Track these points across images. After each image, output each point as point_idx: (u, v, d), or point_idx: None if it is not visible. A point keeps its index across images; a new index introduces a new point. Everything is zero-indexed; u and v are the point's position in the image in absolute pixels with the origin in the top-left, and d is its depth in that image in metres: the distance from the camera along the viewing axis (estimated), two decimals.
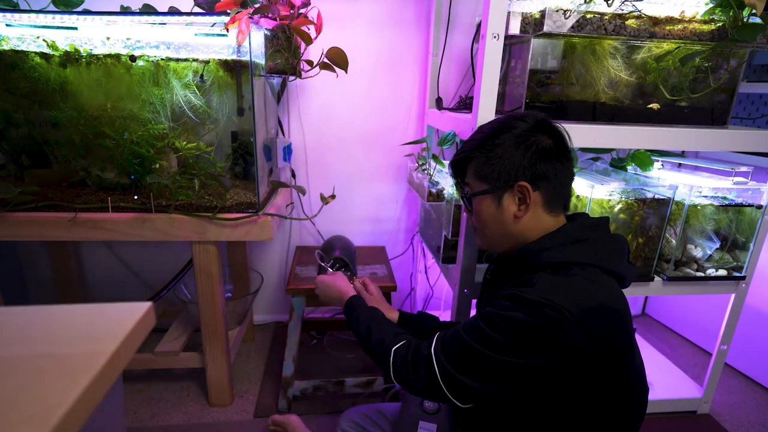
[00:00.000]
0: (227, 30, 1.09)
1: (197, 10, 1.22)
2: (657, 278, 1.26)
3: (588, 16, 1.02)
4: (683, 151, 1.73)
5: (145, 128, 1.16)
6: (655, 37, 1.06)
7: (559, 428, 0.68)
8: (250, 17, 1.05)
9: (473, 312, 1.13)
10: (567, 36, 1.06)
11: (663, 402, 1.42)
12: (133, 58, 1.12)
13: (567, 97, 1.14)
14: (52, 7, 1.13)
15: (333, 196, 1.28)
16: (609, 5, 1.02)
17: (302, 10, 1.23)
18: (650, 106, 1.15)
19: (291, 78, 1.41)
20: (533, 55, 1.09)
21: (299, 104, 1.66)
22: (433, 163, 1.38)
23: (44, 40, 1.10)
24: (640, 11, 1.03)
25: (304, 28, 1.19)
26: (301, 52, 1.33)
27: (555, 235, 0.73)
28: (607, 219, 0.78)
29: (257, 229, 1.21)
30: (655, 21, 1.04)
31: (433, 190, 1.36)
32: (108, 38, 1.12)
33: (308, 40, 1.24)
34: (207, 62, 1.14)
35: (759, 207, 1.23)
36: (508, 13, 1.04)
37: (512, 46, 1.20)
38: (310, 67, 1.32)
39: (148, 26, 1.11)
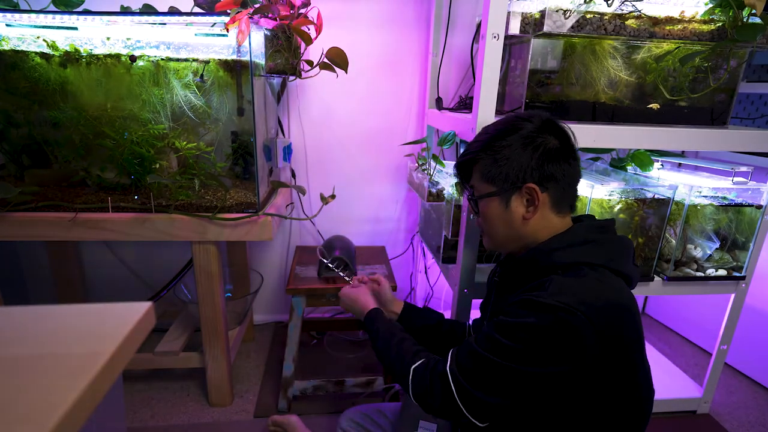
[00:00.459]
0: (227, 30, 1.09)
1: (197, 10, 1.22)
2: (657, 278, 1.26)
3: (588, 16, 1.02)
4: (683, 151, 1.73)
5: (145, 128, 1.16)
6: (655, 37, 1.06)
7: (565, 430, 0.67)
8: (250, 17, 1.06)
9: (473, 312, 1.13)
10: (567, 36, 1.06)
11: (663, 402, 1.42)
12: (133, 58, 1.12)
13: (567, 97, 1.14)
14: (52, 7, 1.13)
15: (333, 196, 1.28)
16: (609, 5, 1.02)
17: (302, 10, 1.23)
18: (650, 106, 1.15)
19: (291, 78, 1.41)
20: (533, 55, 1.09)
21: (299, 104, 1.66)
22: (433, 163, 1.38)
23: (44, 40, 1.11)
24: (639, 11, 1.03)
25: (304, 28, 1.20)
26: (301, 52, 1.33)
27: (564, 236, 0.73)
28: (612, 221, 0.78)
29: (257, 229, 1.21)
30: (655, 21, 1.04)
31: (433, 190, 1.36)
32: (108, 38, 1.12)
33: (308, 40, 1.24)
34: (207, 62, 1.14)
35: (759, 207, 1.23)
36: (508, 13, 1.04)
37: (512, 46, 1.20)
38: (310, 67, 1.32)
39: (148, 26, 1.11)
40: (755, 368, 1.64)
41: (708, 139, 1.12)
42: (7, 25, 1.09)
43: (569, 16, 1.02)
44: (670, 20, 1.05)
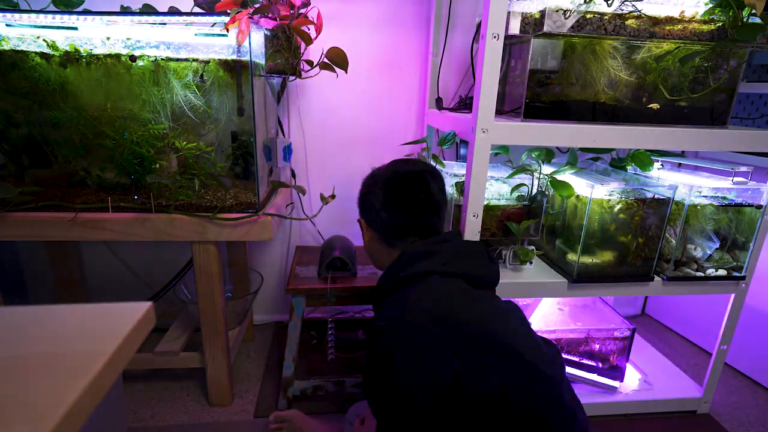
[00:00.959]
0: (227, 30, 1.09)
1: (197, 10, 1.22)
2: (657, 278, 1.26)
3: (588, 16, 1.03)
4: (683, 151, 1.73)
5: (145, 128, 1.16)
6: (655, 37, 1.06)
7: None
8: (250, 17, 1.06)
9: None
10: (567, 36, 1.06)
11: (663, 402, 1.42)
12: (133, 58, 1.12)
13: (567, 97, 1.14)
14: (52, 7, 1.13)
15: (333, 196, 1.28)
16: (609, 5, 1.02)
17: (302, 10, 1.23)
18: (650, 106, 1.15)
19: (291, 78, 1.41)
20: (533, 55, 1.09)
21: (299, 104, 1.66)
22: (433, 164, 1.38)
23: (44, 40, 1.11)
24: (639, 11, 1.03)
25: (304, 28, 1.19)
26: (301, 52, 1.33)
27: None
28: (454, 232, 0.97)
29: (257, 229, 1.21)
30: (655, 21, 1.05)
31: None
32: (108, 38, 1.12)
33: (308, 40, 1.24)
34: (207, 62, 1.14)
35: (759, 207, 1.23)
36: (508, 13, 1.04)
37: (512, 46, 1.20)
38: (310, 67, 1.32)
39: (148, 26, 1.11)
40: (755, 368, 1.64)
41: (708, 139, 1.12)
42: (7, 25, 1.09)
43: (569, 16, 1.02)
44: (670, 20, 1.05)
